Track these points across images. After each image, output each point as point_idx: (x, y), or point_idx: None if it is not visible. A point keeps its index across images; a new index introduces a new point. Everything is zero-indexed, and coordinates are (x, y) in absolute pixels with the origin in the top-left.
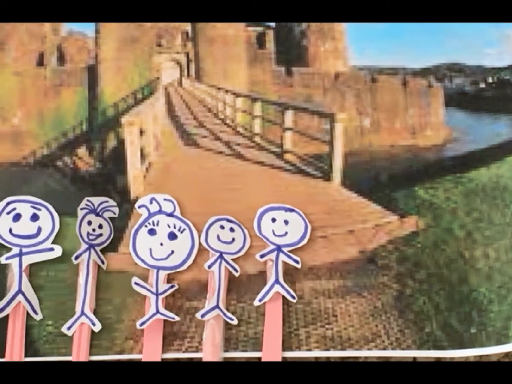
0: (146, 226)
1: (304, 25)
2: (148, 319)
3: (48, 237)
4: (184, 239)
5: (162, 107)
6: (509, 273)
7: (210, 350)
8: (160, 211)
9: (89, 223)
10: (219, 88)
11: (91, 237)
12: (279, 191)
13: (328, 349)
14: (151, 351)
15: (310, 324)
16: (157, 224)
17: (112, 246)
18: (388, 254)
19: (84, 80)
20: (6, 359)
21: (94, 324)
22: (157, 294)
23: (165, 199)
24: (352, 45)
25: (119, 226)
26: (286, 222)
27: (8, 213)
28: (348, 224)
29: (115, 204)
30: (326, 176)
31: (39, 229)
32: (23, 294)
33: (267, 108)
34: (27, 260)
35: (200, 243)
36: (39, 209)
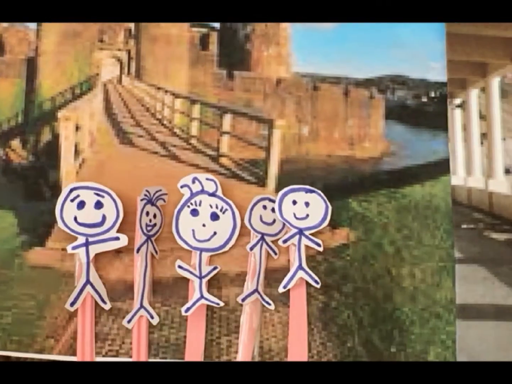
0: (188, 206)
1: (248, 28)
2: (193, 304)
3: (113, 226)
4: (226, 220)
5: (99, 104)
6: (433, 297)
7: (247, 334)
8: (202, 191)
9: (147, 213)
10: (158, 88)
11: (148, 228)
12: None
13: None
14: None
15: (232, 332)
16: (200, 204)
17: (40, 240)
18: (317, 264)
19: (23, 72)
20: (78, 358)
21: (152, 317)
22: (200, 277)
23: (207, 179)
24: (296, 52)
25: (48, 221)
26: (307, 204)
27: (72, 200)
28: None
29: (166, 192)
30: (261, 182)
31: (104, 217)
32: (91, 285)
33: (205, 111)
34: (93, 249)
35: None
36: (103, 196)
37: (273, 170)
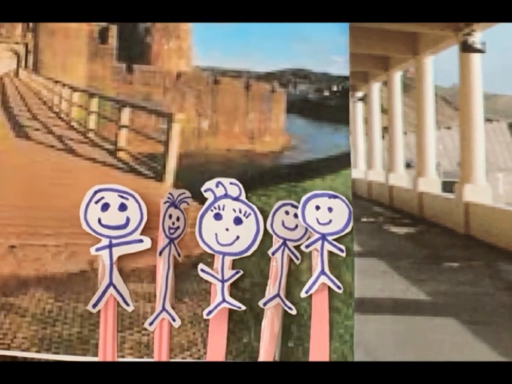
0: (212, 210)
1: (148, 22)
2: (214, 308)
3: (136, 228)
4: (250, 224)
5: None
6: (332, 291)
7: (268, 339)
8: (226, 195)
9: (170, 216)
10: (56, 81)
11: (171, 231)
12: None
13: (142, 357)
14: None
15: (126, 328)
16: (223, 209)
17: None
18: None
19: None
20: (100, 359)
21: (174, 320)
22: (223, 281)
23: (231, 183)
24: (197, 45)
25: None
26: (330, 209)
27: (97, 202)
28: None
29: (189, 195)
30: (159, 176)
31: (128, 220)
32: (114, 287)
33: (104, 104)
34: (117, 251)
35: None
36: (127, 199)
37: (172, 164)
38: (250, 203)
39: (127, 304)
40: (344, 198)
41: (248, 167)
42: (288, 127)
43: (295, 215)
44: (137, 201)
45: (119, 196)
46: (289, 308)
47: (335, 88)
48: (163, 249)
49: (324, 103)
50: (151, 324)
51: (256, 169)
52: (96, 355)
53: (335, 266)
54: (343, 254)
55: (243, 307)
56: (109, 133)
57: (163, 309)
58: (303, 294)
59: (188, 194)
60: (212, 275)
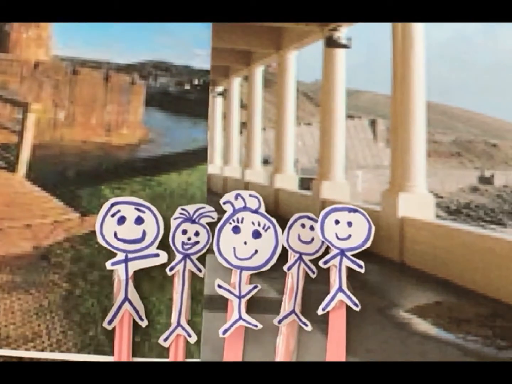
0: (230, 223)
1: None
2: (231, 326)
3: (153, 242)
4: (268, 238)
5: None
6: None
7: (283, 356)
8: (245, 208)
9: (184, 232)
10: None
11: (186, 246)
12: None
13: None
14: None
15: None
16: (242, 222)
17: None
18: (63, 252)
19: None
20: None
21: (190, 336)
22: (240, 297)
23: (250, 195)
24: (56, 35)
25: None
26: (349, 224)
27: (113, 215)
28: (26, 218)
29: (212, 209)
30: (11, 167)
31: (144, 233)
32: (130, 302)
33: None
34: (133, 266)
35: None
36: (143, 212)
37: (25, 155)
38: (269, 216)
39: (141, 319)
40: (364, 212)
41: (103, 160)
42: (146, 120)
43: (311, 228)
44: (153, 214)
45: (136, 209)
46: (305, 324)
47: (196, 82)
48: (176, 265)
49: (184, 96)
50: (166, 340)
51: (111, 161)
52: None
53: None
54: (362, 271)
55: (260, 326)
56: None
57: (178, 324)
58: (320, 311)
59: (209, 208)
60: (229, 291)
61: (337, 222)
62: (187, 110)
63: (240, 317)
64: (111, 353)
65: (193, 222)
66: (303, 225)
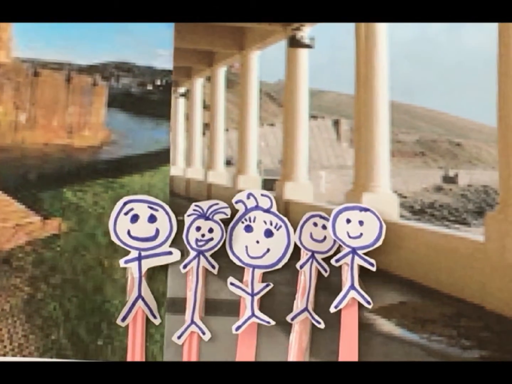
0: (242, 222)
1: None
2: (243, 323)
3: (166, 240)
4: (280, 237)
5: None
6: None
7: (296, 354)
8: (257, 207)
9: (198, 228)
10: None
11: (200, 243)
12: None
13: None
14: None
15: None
16: (254, 221)
17: None
18: (24, 255)
19: None
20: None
21: (204, 333)
22: (252, 295)
23: (262, 195)
24: (17, 36)
25: None
26: (361, 223)
27: (126, 213)
28: None
29: (226, 205)
30: None
31: (157, 231)
32: (143, 299)
33: None
34: (146, 264)
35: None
36: (156, 210)
37: None
38: (281, 215)
39: (155, 317)
40: (375, 211)
41: (65, 162)
42: (108, 121)
43: (323, 227)
44: (166, 212)
45: (149, 207)
46: (317, 322)
47: (158, 83)
48: (190, 262)
49: (146, 97)
50: (179, 337)
51: (73, 164)
52: None
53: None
54: (373, 269)
55: (273, 322)
56: None
57: (192, 322)
58: (332, 309)
59: (222, 204)
60: (242, 289)
61: (348, 221)
62: (150, 111)
63: (253, 314)
64: (73, 356)
65: (207, 218)
66: (315, 224)
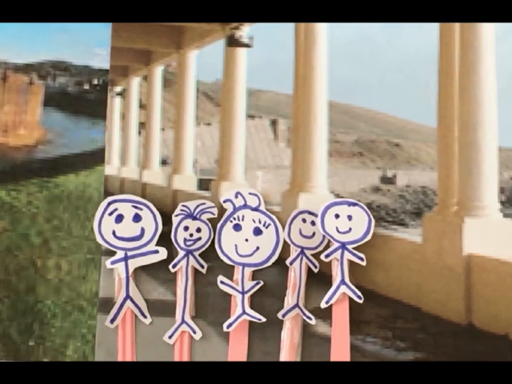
0: (231, 221)
1: None
2: (235, 320)
3: (151, 239)
4: (269, 235)
5: None
6: (78, 289)
7: (288, 350)
8: (245, 206)
9: (186, 228)
10: None
11: (188, 243)
12: None
13: None
14: None
15: None
16: (242, 219)
17: None
18: None
19: None
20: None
21: (194, 332)
22: (243, 293)
23: (250, 193)
24: None
25: None
26: (349, 217)
27: (110, 214)
28: None
29: (212, 205)
30: None
31: (143, 230)
32: (131, 300)
33: None
34: (133, 264)
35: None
36: (141, 209)
37: None
38: (270, 214)
39: (145, 317)
40: (363, 205)
41: (0, 161)
42: (44, 120)
43: (312, 223)
44: (151, 210)
45: (133, 206)
46: (309, 318)
47: (95, 82)
48: (178, 261)
49: (83, 96)
50: (170, 337)
51: (7, 163)
52: None
53: (83, 265)
54: (363, 263)
55: (263, 319)
56: None
57: (183, 321)
58: (323, 304)
59: (210, 204)
60: (232, 287)
61: (337, 216)
62: (86, 110)
63: (244, 312)
64: (4, 357)
65: (194, 218)
66: (304, 220)
